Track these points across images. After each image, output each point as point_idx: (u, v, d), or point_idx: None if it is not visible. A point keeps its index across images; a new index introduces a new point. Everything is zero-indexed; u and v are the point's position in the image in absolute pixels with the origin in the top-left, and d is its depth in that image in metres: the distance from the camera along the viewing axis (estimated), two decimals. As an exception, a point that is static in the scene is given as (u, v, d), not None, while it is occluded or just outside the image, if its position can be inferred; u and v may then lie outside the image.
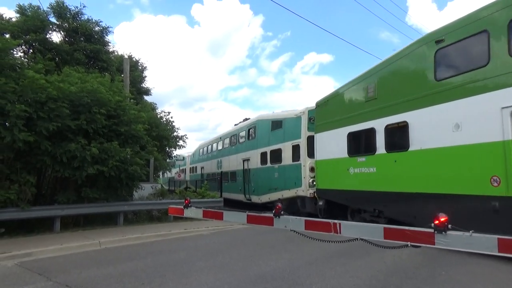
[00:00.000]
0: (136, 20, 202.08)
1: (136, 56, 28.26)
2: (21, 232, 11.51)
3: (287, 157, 15.84)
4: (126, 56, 21.42)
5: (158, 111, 25.76)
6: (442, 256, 7.77)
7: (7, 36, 15.05)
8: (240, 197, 21.02)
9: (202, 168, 31.34)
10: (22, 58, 16.29)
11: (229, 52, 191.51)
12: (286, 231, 4.61)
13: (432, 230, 3.24)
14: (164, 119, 23.80)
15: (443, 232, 3.17)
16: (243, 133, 21.72)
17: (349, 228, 3.90)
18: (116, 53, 22.93)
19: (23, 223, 11.93)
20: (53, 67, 14.48)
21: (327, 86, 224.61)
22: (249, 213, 4.94)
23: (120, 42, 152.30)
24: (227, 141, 24.98)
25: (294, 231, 4.41)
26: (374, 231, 3.72)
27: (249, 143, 20.37)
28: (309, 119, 14.74)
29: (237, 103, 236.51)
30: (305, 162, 14.58)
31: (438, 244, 3.20)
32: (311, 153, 14.27)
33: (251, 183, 19.54)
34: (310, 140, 14.38)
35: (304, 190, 14.48)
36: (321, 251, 8.42)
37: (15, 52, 14.15)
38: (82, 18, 19.34)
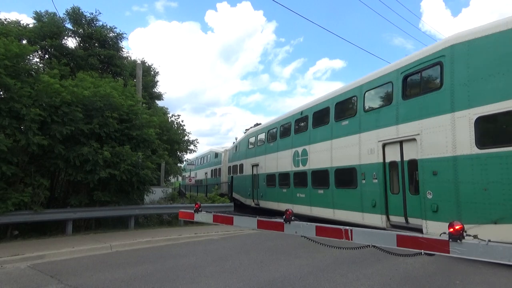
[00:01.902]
0: (151, 26, 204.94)
1: (148, 61, 28.64)
2: (34, 235, 11.65)
3: None
4: (139, 62, 21.64)
5: (169, 115, 25.87)
6: (456, 264, 7.60)
7: (24, 42, 15.39)
8: (368, 218, 11.54)
9: (255, 166, 21.29)
10: (38, 63, 16.62)
11: (241, 58, 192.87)
12: (297, 237, 4.56)
13: (447, 238, 3.16)
14: (175, 122, 23.93)
15: (458, 241, 3.09)
16: (384, 89, 11.55)
17: (361, 234, 3.84)
18: (129, 58, 23.24)
19: (36, 225, 12.07)
20: (68, 72, 14.72)
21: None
22: (260, 218, 4.91)
23: (135, 48, 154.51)
24: (320, 114, 14.84)
25: (305, 237, 4.36)
26: (387, 238, 3.65)
27: (416, 103, 10.08)
28: None
29: (248, 108, 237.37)
30: None
31: (453, 252, 3.12)
32: None
33: (438, 191, 9.20)
34: None
35: None
36: (332, 258, 8.32)
37: (31, 57, 14.44)
38: (97, 25, 19.70)
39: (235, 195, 24.27)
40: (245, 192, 23.45)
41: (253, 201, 21.70)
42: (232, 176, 25.75)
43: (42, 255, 8.84)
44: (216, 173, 31.87)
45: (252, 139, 22.82)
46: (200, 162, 40.37)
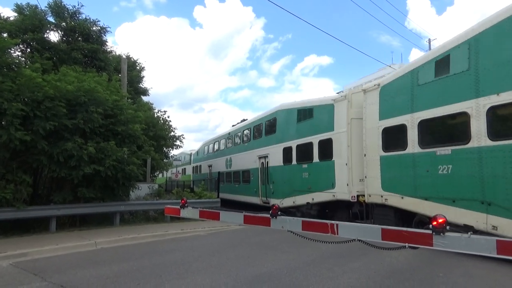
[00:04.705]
0: (139, 21, 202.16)
1: (134, 56, 28.24)
2: (17, 232, 11.43)
3: None
4: (123, 56, 21.35)
5: (155, 110, 25.61)
6: (439, 257, 7.75)
7: (5, 35, 14.99)
8: None
9: None
10: (20, 57, 16.22)
11: (230, 54, 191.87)
12: (283, 232, 4.57)
13: (430, 232, 3.21)
14: (161, 118, 23.74)
15: (441, 234, 3.14)
16: None
17: (347, 229, 3.87)
18: (114, 53, 22.88)
19: (19, 223, 11.84)
20: (50, 66, 14.42)
21: (326, 88, 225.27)
22: (246, 214, 4.90)
23: (122, 43, 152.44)
24: None
25: (291, 231, 4.38)
26: (372, 232, 3.68)
27: None
28: None
29: (237, 104, 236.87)
30: None
31: (436, 245, 3.16)
32: None
33: None
34: None
35: None
36: (319, 252, 8.39)
37: (12, 51, 14.09)
38: (80, 18, 19.29)
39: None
40: None
41: None
42: (218, 172, 24.07)
43: (25, 253, 8.69)
44: (298, 153, 15.08)
45: None
46: (234, 142, 23.39)
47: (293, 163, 15.34)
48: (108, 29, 20.15)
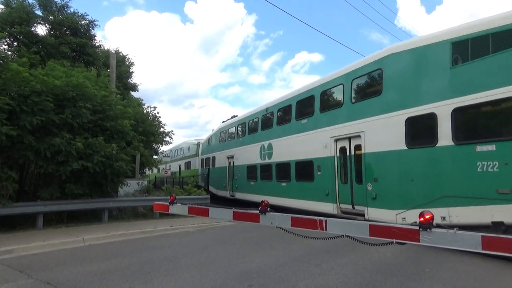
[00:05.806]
0: (129, 15, 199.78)
1: (123, 51, 27.92)
2: (2, 229, 11.23)
3: None
4: (112, 51, 21.09)
5: (145, 106, 25.36)
6: (426, 253, 7.85)
7: (-10, 28, 14.71)
8: None
9: None
10: (6, 51, 15.92)
11: (221, 50, 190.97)
12: (272, 228, 4.58)
13: (417, 227, 3.25)
14: (151, 114, 23.54)
15: (428, 230, 3.17)
16: None
17: (335, 225, 3.89)
18: (102, 47, 22.59)
19: (5, 219, 11.63)
20: (38, 60, 14.18)
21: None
22: (235, 210, 4.90)
23: (112, 38, 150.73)
24: None
25: (280, 228, 4.39)
26: (359, 228, 3.71)
27: None
28: None
29: (227, 100, 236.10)
30: None
31: (423, 241, 3.20)
32: None
33: None
34: None
35: None
36: (307, 248, 8.43)
37: (-2, 45, 13.85)
38: (68, 11, 19.01)
39: None
40: None
41: None
42: (208, 168, 24.04)
43: (10, 250, 8.56)
44: (456, 126, 8.19)
45: None
46: (277, 121, 16.41)
47: (439, 144, 8.54)
48: (96, 23, 19.93)
